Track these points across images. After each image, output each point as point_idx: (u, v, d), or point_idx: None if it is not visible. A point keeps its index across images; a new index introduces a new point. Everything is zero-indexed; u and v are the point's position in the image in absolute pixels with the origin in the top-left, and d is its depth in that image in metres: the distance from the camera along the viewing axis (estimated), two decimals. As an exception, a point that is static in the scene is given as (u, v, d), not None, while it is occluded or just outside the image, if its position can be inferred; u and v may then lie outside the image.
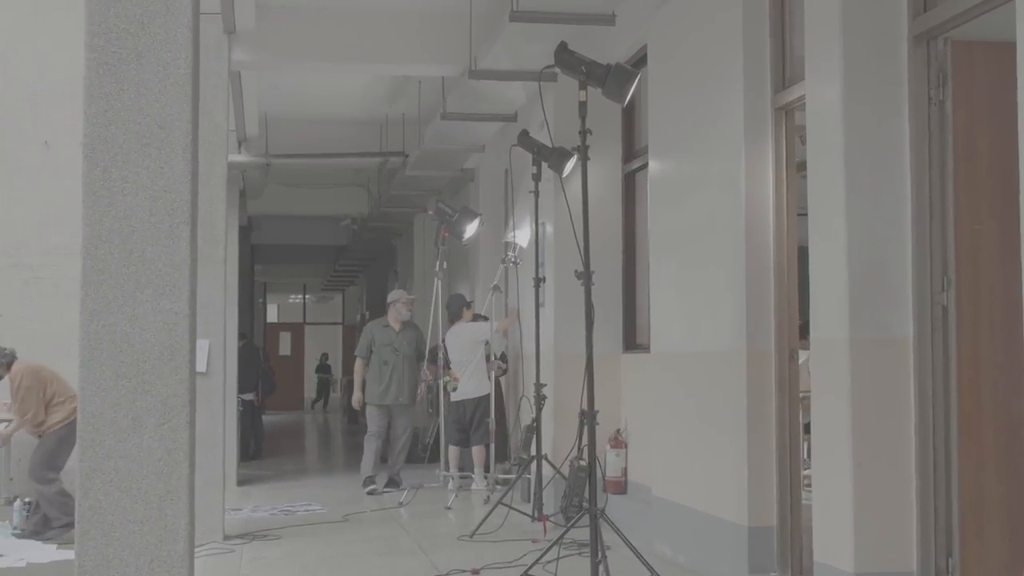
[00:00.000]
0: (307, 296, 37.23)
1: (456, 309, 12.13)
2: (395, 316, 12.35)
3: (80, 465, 3.75)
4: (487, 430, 11.25)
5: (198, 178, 4.07)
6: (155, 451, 3.80)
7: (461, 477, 11.78)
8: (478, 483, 11.66)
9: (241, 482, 12.96)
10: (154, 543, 3.79)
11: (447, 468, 11.76)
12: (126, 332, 3.82)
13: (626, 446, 9.42)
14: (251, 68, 10.63)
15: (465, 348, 11.74)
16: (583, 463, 6.47)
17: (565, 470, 8.92)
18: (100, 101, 3.83)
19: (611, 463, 9.31)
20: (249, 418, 16.28)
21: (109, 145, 3.83)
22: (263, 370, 17.67)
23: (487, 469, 11.53)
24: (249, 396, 16.06)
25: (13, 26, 11.42)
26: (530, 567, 6.65)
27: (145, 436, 3.80)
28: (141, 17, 3.86)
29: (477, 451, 11.77)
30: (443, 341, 11.96)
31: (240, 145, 13.73)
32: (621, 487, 9.29)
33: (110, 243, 3.84)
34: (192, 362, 3.88)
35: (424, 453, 13.51)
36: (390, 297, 12.77)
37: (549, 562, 6.75)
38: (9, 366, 9.47)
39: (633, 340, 9.79)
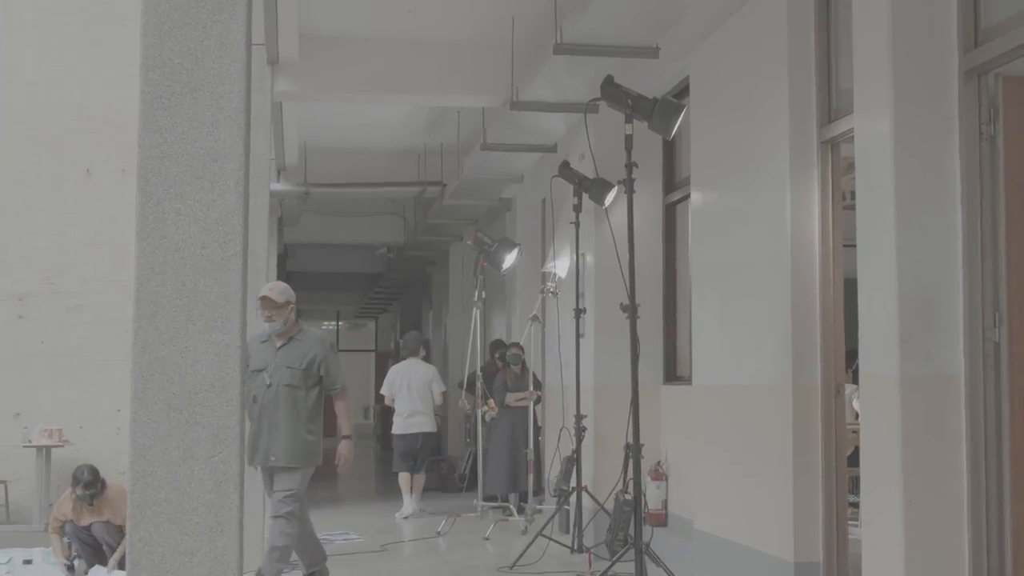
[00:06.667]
0: (340, 323, 37.29)
1: (415, 346, 13.11)
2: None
3: (131, 497, 3.75)
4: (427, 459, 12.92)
5: (248, 210, 4.08)
6: (205, 483, 3.79)
7: (497, 507, 11.79)
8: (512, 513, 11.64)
9: (277, 511, 12.94)
10: (204, 574, 3.78)
11: (484, 499, 11.77)
12: (178, 364, 3.82)
13: (667, 478, 9.37)
14: (293, 99, 10.70)
15: (420, 385, 12.80)
16: (628, 496, 6.43)
17: (609, 503, 8.88)
18: (154, 134, 3.84)
19: (652, 495, 9.27)
20: None
21: (163, 178, 3.84)
22: None
23: (523, 500, 11.55)
24: None
25: (57, 55, 11.55)
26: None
27: (196, 468, 3.79)
28: (195, 51, 3.87)
29: (420, 478, 12.75)
30: (480, 371, 11.97)
31: (279, 174, 13.81)
32: (662, 519, 9.25)
33: (163, 275, 3.83)
34: (242, 394, 3.88)
35: (462, 483, 13.53)
36: None
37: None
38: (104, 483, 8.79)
39: (673, 372, 9.76)
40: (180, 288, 3.82)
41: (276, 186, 13.45)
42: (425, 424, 12.79)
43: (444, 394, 13.08)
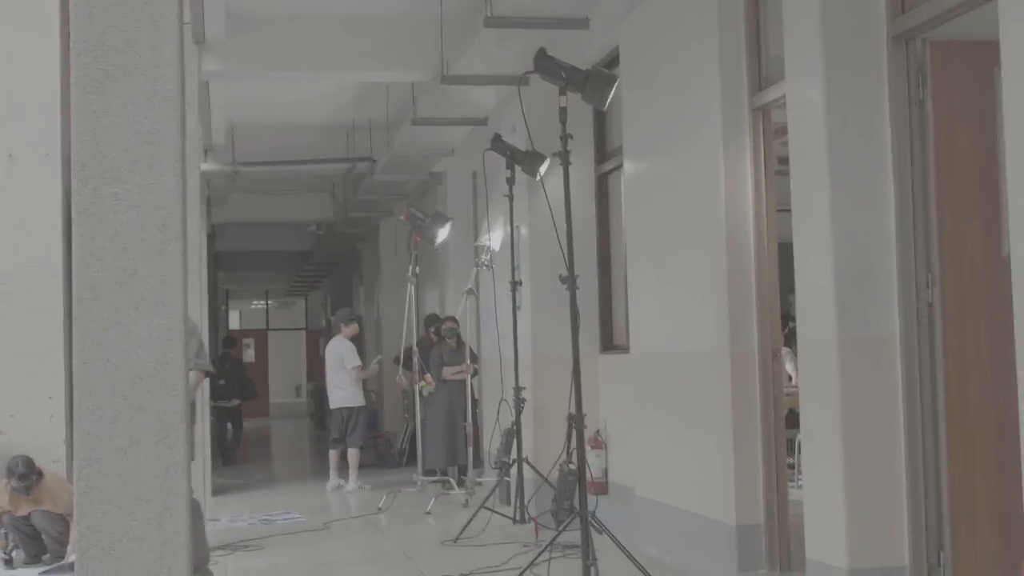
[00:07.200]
0: (270, 302, 37.05)
1: (338, 323, 13.27)
2: None
3: (77, 484, 3.71)
4: (360, 434, 12.81)
5: (186, 193, 4.04)
6: (153, 468, 3.76)
7: (436, 481, 11.86)
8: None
9: (216, 492, 12.87)
10: (154, 560, 3.75)
11: (424, 473, 11.83)
12: (120, 350, 3.77)
13: (606, 447, 9.45)
14: (221, 78, 10.58)
15: (336, 362, 12.93)
16: (572, 466, 6.49)
17: (552, 473, 8.93)
18: (88, 119, 3.77)
19: (592, 464, 9.27)
20: (229, 425, 16.91)
21: (99, 163, 3.77)
22: (244, 378, 17.88)
23: (463, 473, 11.61)
24: (235, 402, 16.66)
25: (-24, 39, 11.28)
26: (524, 570, 6.68)
27: (142, 453, 3.75)
28: (127, 33, 3.80)
29: (352, 453, 12.72)
30: (416, 345, 12.00)
31: (206, 153, 13.65)
32: (603, 488, 9.32)
33: (102, 261, 3.77)
34: (186, 378, 3.85)
35: (400, 458, 13.54)
36: None
37: (538, 564, 6.77)
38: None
39: (610, 341, 9.82)
40: (120, 274, 3.77)
41: (204, 166, 13.28)
42: (344, 399, 12.89)
43: (360, 368, 13.02)
